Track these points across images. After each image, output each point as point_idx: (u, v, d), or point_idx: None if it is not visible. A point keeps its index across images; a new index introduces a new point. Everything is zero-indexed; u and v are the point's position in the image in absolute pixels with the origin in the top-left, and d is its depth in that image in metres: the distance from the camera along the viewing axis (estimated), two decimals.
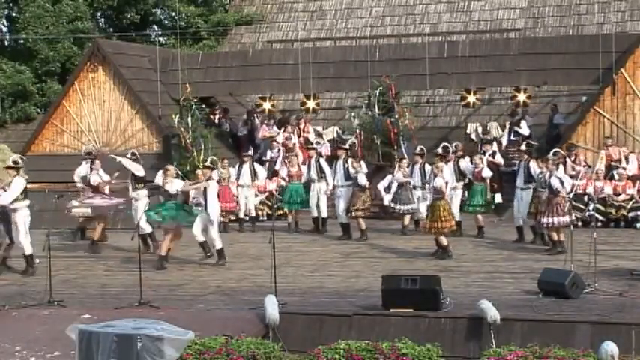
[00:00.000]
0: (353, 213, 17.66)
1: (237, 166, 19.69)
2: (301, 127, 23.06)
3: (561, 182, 15.31)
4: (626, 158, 19.51)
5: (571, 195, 17.83)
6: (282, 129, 23.15)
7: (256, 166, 20.02)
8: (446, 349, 10.14)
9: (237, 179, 19.52)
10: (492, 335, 10.37)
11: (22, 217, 14.89)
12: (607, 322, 10.51)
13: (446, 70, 22.19)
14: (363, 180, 17.74)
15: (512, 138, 21.11)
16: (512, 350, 9.43)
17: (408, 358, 9.57)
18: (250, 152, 20.64)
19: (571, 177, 18.26)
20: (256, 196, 20.45)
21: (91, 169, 17.78)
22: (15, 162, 15.31)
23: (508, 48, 22.31)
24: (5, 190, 14.85)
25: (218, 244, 15.51)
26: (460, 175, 17.78)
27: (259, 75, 23.57)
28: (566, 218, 15.04)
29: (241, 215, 19.66)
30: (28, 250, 15.00)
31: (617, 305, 11.32)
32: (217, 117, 24.83)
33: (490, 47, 22.62)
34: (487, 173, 17.63)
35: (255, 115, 24.20)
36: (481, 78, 22.31)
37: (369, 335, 10.56)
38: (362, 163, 18.40)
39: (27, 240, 14.93)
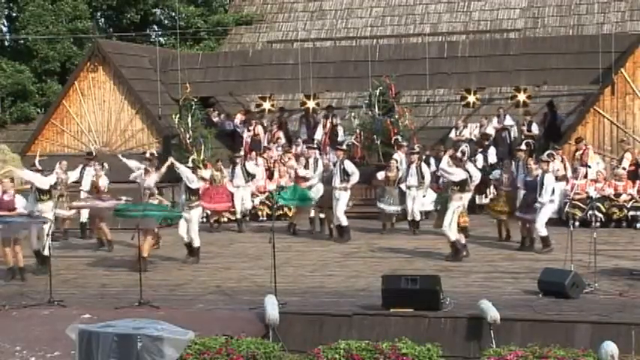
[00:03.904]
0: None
1: (230, 168, 19.70)
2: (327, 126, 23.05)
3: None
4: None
5: (571, 194, 17.90)
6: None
7: (248, 165, 19.97)
8: (446, 349, 10.14)
9: (232, 181, 19.53)
10: (492, 335, 10.36)
11: None
12: (607, 322, 10.50)
13: (446, 70, 22.19)
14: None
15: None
16: (512, 350, 9.43)
17: (408, 358, 9.57)
18: (241, 153, 20.52)
19: (563, 177, 18.32)
20: (256, 196, 20.48)
21: (93, 167, 17.86)
22: (152, 154, 17.48)
23: (508, 48, 22.30)
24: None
25: (196, 243, 15.60)
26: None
27: (259, 75, 23.57)
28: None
29: (239, 216, 19.64)
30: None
31: (617, 305, 11.32)
32: (218, 119, 24.70)
33: (490, 47, 22.62)
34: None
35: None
36: (481, 78, 22.31)
37: (369, 335, 10.56)
38: (346, 161, 18.03)
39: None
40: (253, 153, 21.82)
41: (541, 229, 15.52)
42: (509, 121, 22.12)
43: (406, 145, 19.57)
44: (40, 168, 16.04)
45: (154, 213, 14.91)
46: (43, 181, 15.90)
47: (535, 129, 21.48)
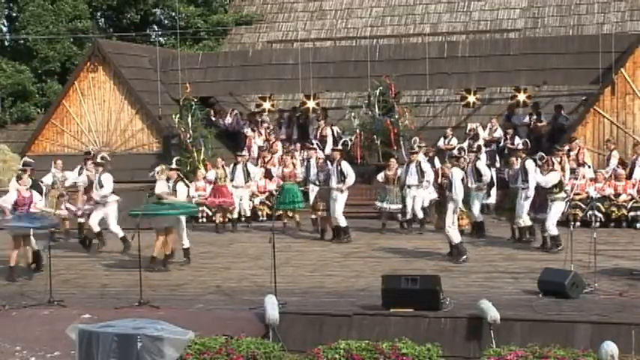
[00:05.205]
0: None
1: (231, 166, 19.72)
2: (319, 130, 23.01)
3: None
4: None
5: (571, 194, 17.91)
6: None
7: (249, 166, 19.98)
8: (446, 349, 10.14)
9: (232, 180, 19.55)
10: (492, 335, 10.36)
11: (113, 211, 16.57)
12: (607, 322, 10.49)
13: (446, 70, 22.21)
14: None
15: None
16: (512, 350, 9.43)
17: (408, 358, 9.57)
18: (245, 152, 20.64)
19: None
20: (256, 196, 20.49)
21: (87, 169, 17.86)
22: (103, 158, 17.05)
23: (508, 48, 22.33)
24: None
25: (185, 244, 15.56)
26: (477, 175, 17.47)
27: (259, 75, 23.59)
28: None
29: (235, 215, 19.68)
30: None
31: (617, 305, 11.31)
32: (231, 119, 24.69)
33: (490, 47, 22.64)
34: None
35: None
36: (481, 78, 22.33)
37: (369, 335, 10.55)
38: (343, 162, 17.83)
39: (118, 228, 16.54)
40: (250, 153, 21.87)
41: (551, 228, 15.51)
42: (499, 133, 22.04)
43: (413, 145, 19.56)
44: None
45: (172, 212, 15.01)
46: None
47: (518, 141, 21.31)
